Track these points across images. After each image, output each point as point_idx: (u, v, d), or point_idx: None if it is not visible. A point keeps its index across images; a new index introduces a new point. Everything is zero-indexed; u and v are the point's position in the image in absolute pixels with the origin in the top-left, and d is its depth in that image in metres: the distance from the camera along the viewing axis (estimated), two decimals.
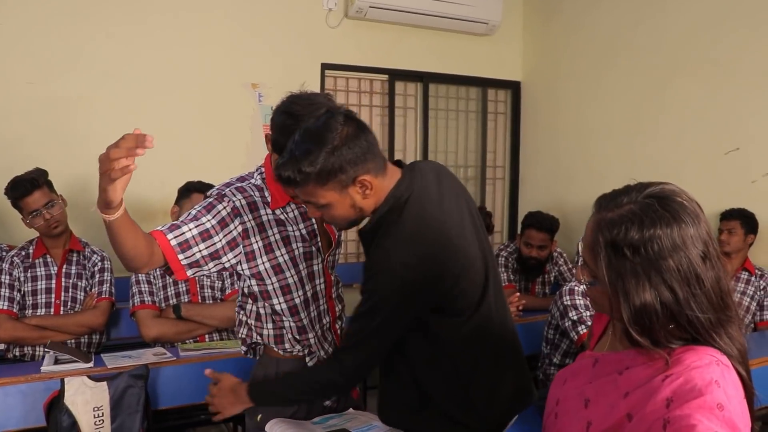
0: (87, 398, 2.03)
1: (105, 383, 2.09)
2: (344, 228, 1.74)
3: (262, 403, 1.79)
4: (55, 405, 2.03)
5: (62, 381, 2.03)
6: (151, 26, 3.90)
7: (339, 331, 1.95)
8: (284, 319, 1.84)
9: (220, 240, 1.68)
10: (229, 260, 1.72)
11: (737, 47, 3.65)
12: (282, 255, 1.78)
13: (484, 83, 5.12)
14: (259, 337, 1.90)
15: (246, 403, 1.78)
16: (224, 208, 1.70)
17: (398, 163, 1.64)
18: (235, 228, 1.71)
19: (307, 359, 1.87)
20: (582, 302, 2.70)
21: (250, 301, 1.89)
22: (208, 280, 2.98)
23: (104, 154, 1.26)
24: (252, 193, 1.77)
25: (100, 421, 2.04)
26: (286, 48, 4.28)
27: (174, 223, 1.66)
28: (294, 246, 1.80)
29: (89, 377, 2.09)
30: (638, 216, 1.02)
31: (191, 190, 2.99)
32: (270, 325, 1.88)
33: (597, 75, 4.50)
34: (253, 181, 1.82)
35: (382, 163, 1.54)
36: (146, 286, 2.89)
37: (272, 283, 1.79)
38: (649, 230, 1.00)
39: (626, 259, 1.01)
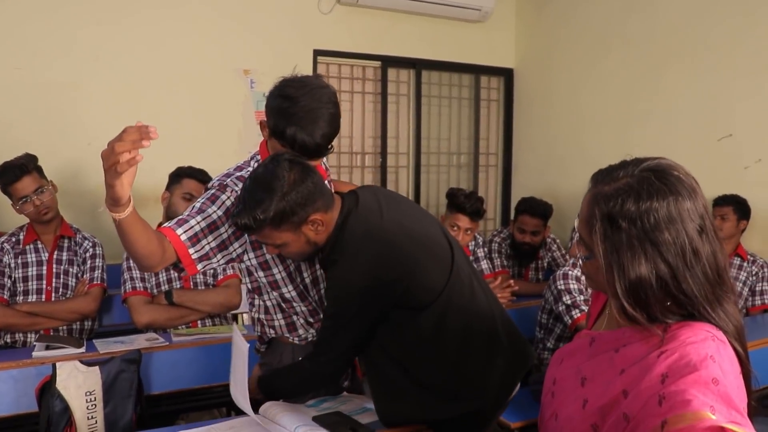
0: (79, 383, 2.02)
1: (97, 368, 2.08)
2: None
3: (271, 396, 1.82)
4: (47, 390, 2.01)
5: (54, 366, 2.01)
6: (142, 12, 3.86)
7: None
8: (295, 305, 1.87)
9: (226, 230, 1.71)
10: (235, 249, 1.75)
11: (730, 34, 3.65)
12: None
13: (477, 70, 5.11)
14: (272, 330, 1.94)
15: (259, 394, 1.83)
16: (228, 198, 1.72)
17: (339, 194, 1.75)
18: None
19: None
20: (576, 287, 2.70)
21: (255, 297, 1.92)
22: None
23: (107, 149, 1.24)
24: None
25: (92, 405, 2.03)
26: (279, 34, 4.25)
27: (181, 218, 1.67)
28: None
29: (81, 362, 2.08)
30: (635, 189, 1.01)
31: (182, 175, 2.96)
32: (279, 315, 1.91)
33: (590, 62, 4.49)
34: (250, 169, 1.81)
35: (329, 198, 1.66)
36: (138, 272, 2.86)
37: (279, 272, 1.82)
38: (645, 202, 1.00)
39: (622, 232, 1.00)
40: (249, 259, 1.80)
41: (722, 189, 3.51)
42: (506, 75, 5.20)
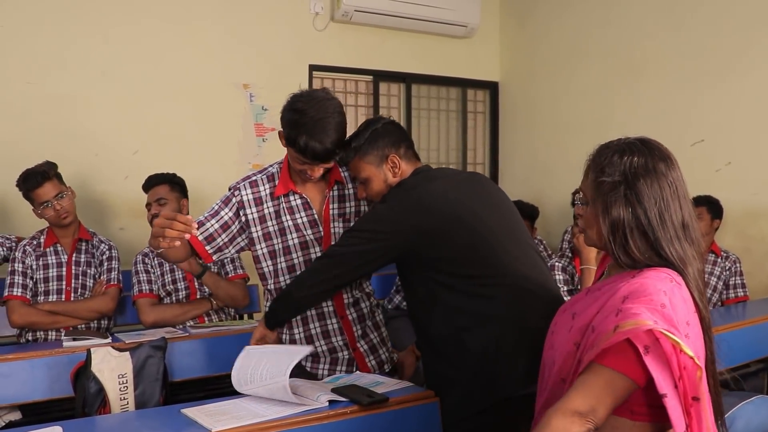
0: (112, 366, 2.18)
1: (128, 353, 2.24)
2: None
3: (273, 322, 2.08)
4: (83, 373, 2.16)
5: (89, 351, 2.17)
6: (147, 30, 4.05)
7: (350, 317, 2.14)
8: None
9: (236, 226, 2.09)
10: (243, 240, 2.12)
11: (701, 45, 3.92)
12: (277, 243, 2.08)
13: (463, 84, 5.35)
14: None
15: (263, 328, 2.08)
16: (237, 201, 2.08)
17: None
18: (242, 218, 2.08)
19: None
20: (561, 277, 2.91)
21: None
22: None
23: (160, 229, 1.71)
24: (261, 187, 2.08)
25: (124, 387, 2.19)
26: (276, 50, 4.45)
27: (200, 220, 2.04)
28: (289, 237, 2.08)
29: (113, 348, 2.24)
30: (622, 148, 1.29)
31: (150, 184, 3.18)
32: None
33: (570, 74, 4.75)
34: (270, 169, 2.13)
35: (412, 154, 1.98)
36: (144, 275, 3.06)
37: (267, 266, 2.11)
38: (628, 157, 1.27)
39: (607, 178, 1.26)
40: (260, 249, 2.10)
41: (696, 190, 3.74)
42: (491, 88, 5.45)
